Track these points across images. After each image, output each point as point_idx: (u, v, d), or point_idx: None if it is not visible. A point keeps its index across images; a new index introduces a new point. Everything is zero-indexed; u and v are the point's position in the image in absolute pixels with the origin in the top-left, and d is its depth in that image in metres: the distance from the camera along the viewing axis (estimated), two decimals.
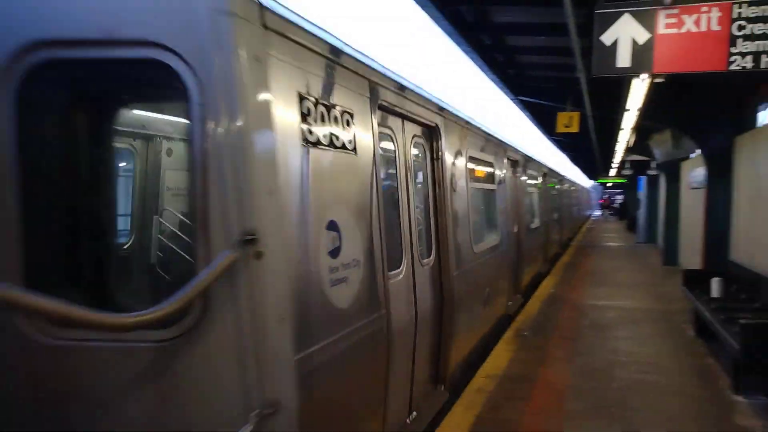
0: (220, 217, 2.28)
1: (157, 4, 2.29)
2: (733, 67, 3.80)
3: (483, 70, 10.76)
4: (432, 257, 4.93)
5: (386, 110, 3.94)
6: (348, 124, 3.18)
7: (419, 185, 4.82)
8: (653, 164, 19.65)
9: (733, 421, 4.90)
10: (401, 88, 4.14)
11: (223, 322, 2.31)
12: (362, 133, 3.35)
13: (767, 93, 8.70)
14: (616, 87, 9.55)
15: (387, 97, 3.83)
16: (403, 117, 4.33)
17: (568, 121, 11.70)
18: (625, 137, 12.80)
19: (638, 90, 7.10)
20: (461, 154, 5.90)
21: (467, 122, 6.25)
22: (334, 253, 2.94)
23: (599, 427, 4.84)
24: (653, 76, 6.35)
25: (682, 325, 8.30)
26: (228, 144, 2.27)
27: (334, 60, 3.08)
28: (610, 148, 17.24)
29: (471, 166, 6.35)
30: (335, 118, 3.04)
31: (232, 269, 2.26)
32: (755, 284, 7.23)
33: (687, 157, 14.05)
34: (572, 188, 28.54)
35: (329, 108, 2.98)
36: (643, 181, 24.55)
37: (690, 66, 3.90)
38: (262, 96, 2.42)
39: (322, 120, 2.89)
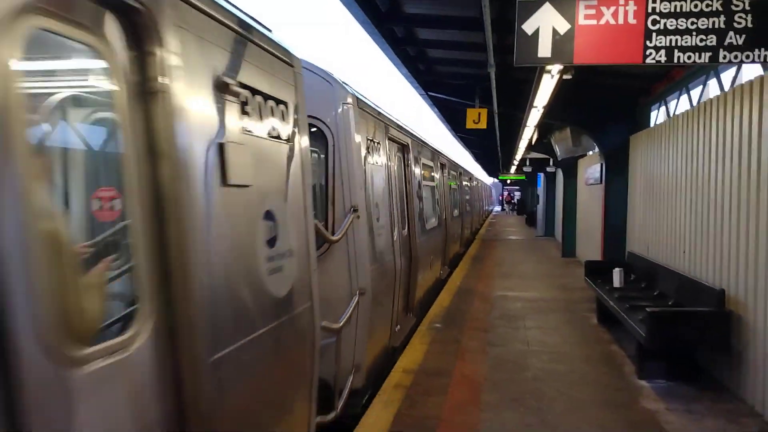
0: (342, 199, 4.77)
1: (321, 101, 4.73)
2: (648, 60, 3.89)
3: (395, 63, 10.66)
4: (406, 229, 7.24)
5: (390, 139, 6.52)
6: (379, 151, 5.86)
7: (398, 182, 7.09)
8: (551, 161, 20.63)
9: (641, 405, 5.09)
10: (398, 127, 7.14)
11: (341, 249, 4.75)
12: (383, 154, 6.04)
13: (658, 94, 9.28)
14: (525, 84, 9.81)
15: (390, 131, 6.55)
16: (393, 140, 6.80)
17: (477, 118, 11.89)
18: (528, 135, 13.25)
19: (547, 86, 7.24)
20: (418, 162, 8.69)
21: (421, 140, 9.33)
22: (378, 219, 5.50)
23: (516, 418, 4.85)
24: (563, 72, 6.55)
25: (585, 314, 8.66)
26: (346, 164, 4.79)
27: (375, 116, 5.83)
28: (513, 145, 17.86)
29: (423, 170, 9.23)
30: (375, 148, 5.67)
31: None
32: (652, 273, 7.66)
33: (584, 155, 14.80)
34: (479, 185, 32.30)
35: (374, 142, 5.67)
36: (541, 177, 25.74)
37: (608, 58, 3.95)
38: (358, 140, 5.01)
39: (373, 150, 5.56)
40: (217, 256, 2.20)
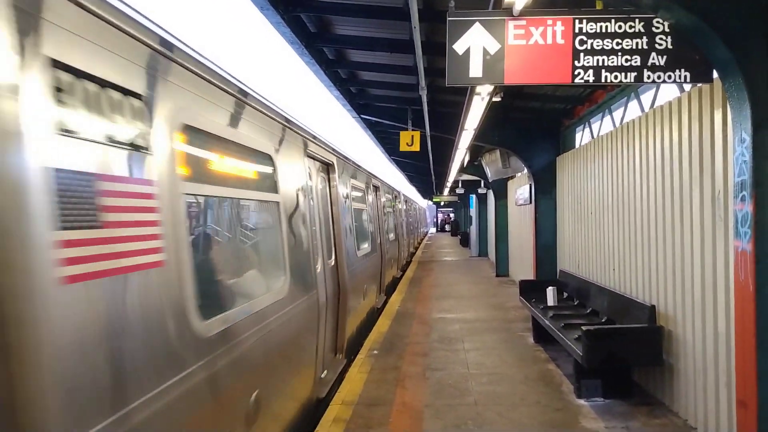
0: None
1: None
2: (577, 80, 3.93)
3: (327, 85, 10.54)
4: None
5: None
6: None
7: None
8: (483, 183, 21.04)
9: (581, 424, 5.06)
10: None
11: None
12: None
13: (582, 116, 9.60)
14: (456, 106, 9.92)
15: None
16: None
17: (411, 140, 11.92)
18: (460, 157, 13.44)
19: (478, 108, 7.31)
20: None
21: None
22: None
23: None
24: (493, 93, 6.62)
25: (521, 333, 8.69)
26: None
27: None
28: (446, 168, 18.08)
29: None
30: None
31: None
32: (584, 290, 7.79)
33: (514, 176, 15.15)
34: (415, 207, 32.93)
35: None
36: (473, 199, 26.23)
37: (538, 78, 3.96)
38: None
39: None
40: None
